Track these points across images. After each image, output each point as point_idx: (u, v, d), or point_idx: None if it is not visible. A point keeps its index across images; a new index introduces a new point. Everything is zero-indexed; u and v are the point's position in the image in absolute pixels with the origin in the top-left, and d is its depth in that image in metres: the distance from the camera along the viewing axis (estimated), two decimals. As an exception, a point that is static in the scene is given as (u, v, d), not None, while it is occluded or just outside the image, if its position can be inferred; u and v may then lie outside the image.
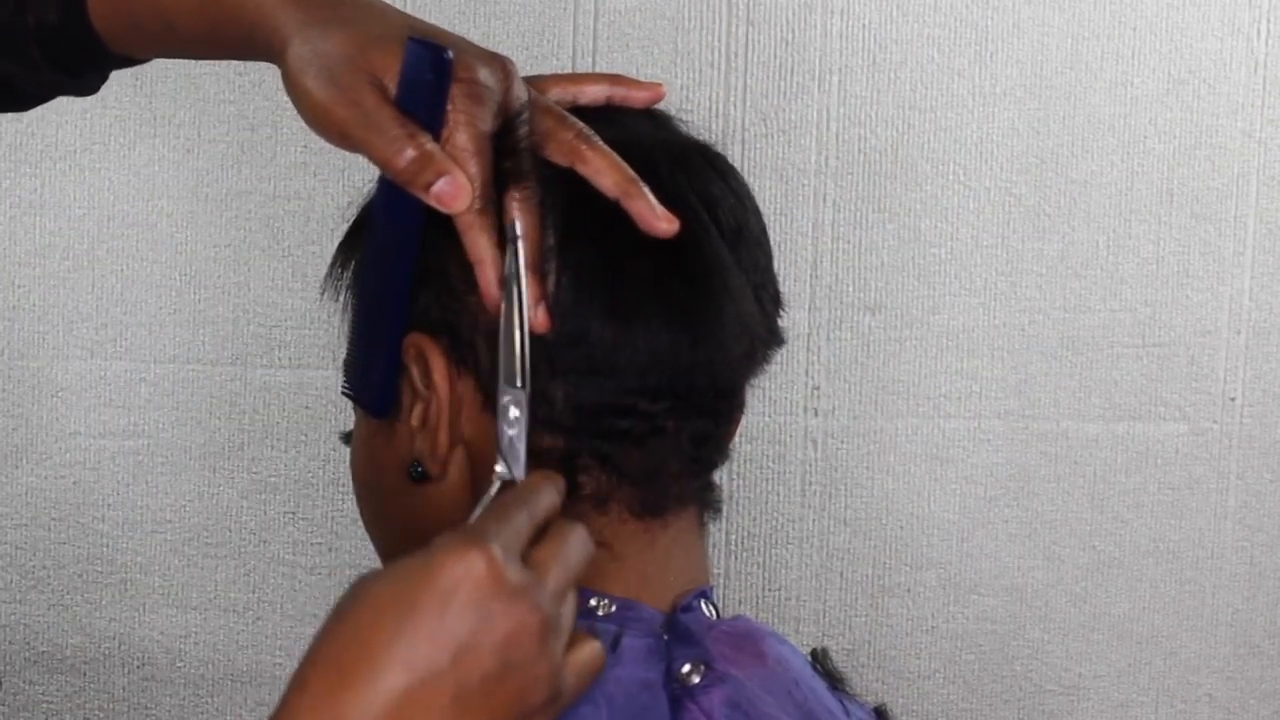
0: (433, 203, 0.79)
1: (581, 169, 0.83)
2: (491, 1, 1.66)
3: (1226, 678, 1.79)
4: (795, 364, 1.71)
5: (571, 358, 0.81)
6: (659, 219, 0.81)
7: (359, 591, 0.71)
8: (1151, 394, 1.75)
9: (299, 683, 0.70)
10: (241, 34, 0.89)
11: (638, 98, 0.91)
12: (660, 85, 0.93)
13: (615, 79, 0.91)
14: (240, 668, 1.71)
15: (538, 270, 0.80)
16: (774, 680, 0.83)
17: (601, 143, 0.83)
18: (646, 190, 0.82)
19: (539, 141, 0.83)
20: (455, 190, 0.79)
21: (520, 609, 0.70)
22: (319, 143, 1.74)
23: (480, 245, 0.80)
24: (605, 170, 0.83)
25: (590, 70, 1.65)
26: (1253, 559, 1.79)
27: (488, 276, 0.80)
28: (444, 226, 0.81)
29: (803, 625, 1.74)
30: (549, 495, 0.76)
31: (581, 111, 0.87)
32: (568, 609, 0.73)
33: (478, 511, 0.76)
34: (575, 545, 0.75)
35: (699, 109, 1.67)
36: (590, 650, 0.74)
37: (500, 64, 0.83)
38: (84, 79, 1.03)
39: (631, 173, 0.82)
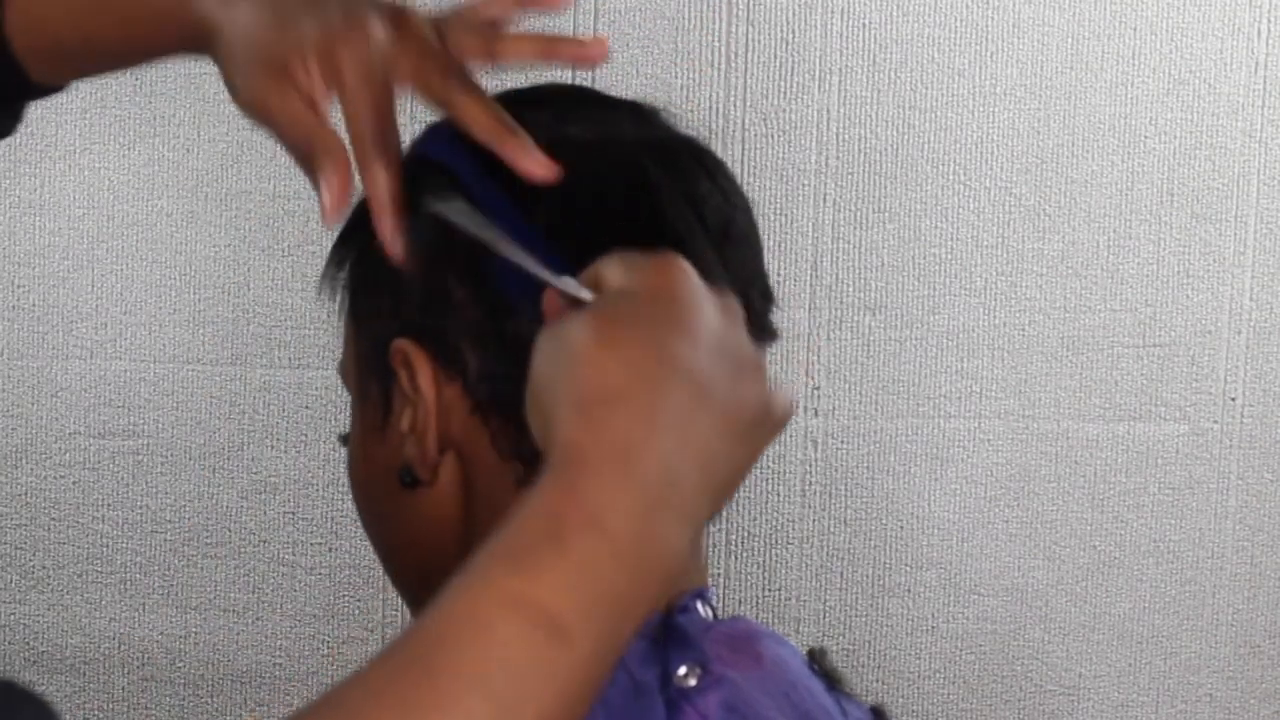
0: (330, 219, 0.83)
1: (452, 114, 0.83)
2: (491, 1, 1.66)
3: (1227, 678, 1.79)
4: (795, 364, 1.71)
5: None
6: (535, 164, 0.81)
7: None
8: (1152, 394, 1.75)
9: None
10: (171, 42, 0.91)
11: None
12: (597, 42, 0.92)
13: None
14: (240, 668, 1.71)
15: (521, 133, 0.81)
16: (771, 682, 0.83)
17: (478, 92, 0.83)
18: (522, 135, 0.81)
19: (413, 84, 0.84)
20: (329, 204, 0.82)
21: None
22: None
23: (377, 187, 0.82)
24: (476, 117, 0.82)
25: (590, 76, 1.65)
26: (1253, 559, 1.79)
27: (380, 201, 0.81)
28: (429, 228, 0.81)
29: (803, 625, 1.74)
30: None
31: (561, 107, 0.87)
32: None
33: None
34: None
35: (699, 109, 1.67)
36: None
37: (390, 9, 0.84)
38: (2, 115, 1.02)
39: (505, 116, 0.82)
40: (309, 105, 0.84)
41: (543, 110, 0.86)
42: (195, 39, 0.89)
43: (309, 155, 0.83)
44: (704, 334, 0.72)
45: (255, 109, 0.86)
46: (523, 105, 0.86)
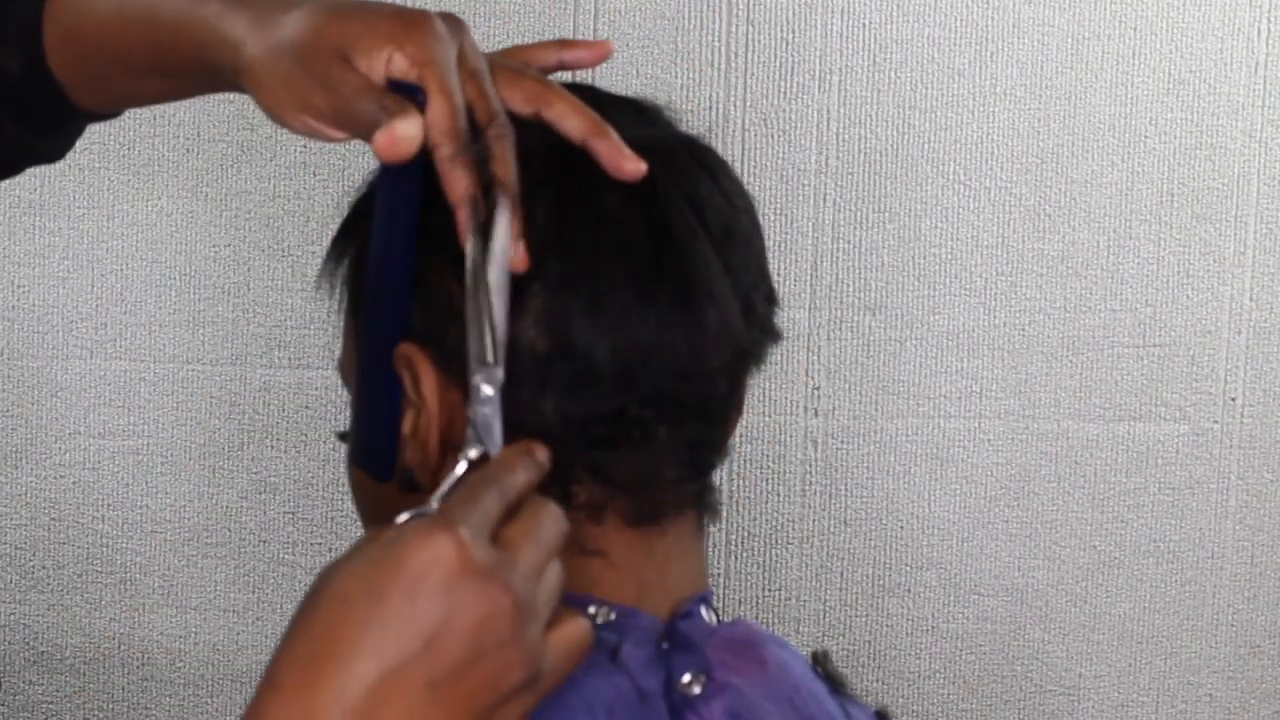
0: (388, 152, 0.78)
1: (546, 113, 0.83)
2: (491, 1, 1.66)
3: (1227, 678, 1.79)
4: (795, 364, 1.71)
5: (557, 370, 0.80)
6: (625, 159, 0.81)
7: (324, 582, 0.71)
8: (1152, 394, 1.75)
9: (271, 681, 0.70)
10: (190, 54, 0.89)
11: (585, 58, 0.91)
12: (608, 42, 0.92)
13: (563, 44, 0.91)
14: (240, 668, 1.71)
15: (519, 208, 0.79)
16: (775, 687, 0.83)
17: (563, 89, 0.83)
18: (613, 132, 0.81)
19: (502, 93, 0.83)
20: (393, 136, 0.77)
21: (491, 591, 0.69)
22: (319, 143, 1.74)
23: (459, 188, 0.79)
24: (569, 114, 0.82)
25: (587, 73, 1.65)
26: (1253, 559, 1.79)
27: (464, 221, 0.79)
28: (428, 235, 0.81)
29: (803, 626, 1.74)
30: (521, 472, 0.74)
31: None
32: (545, 587, 0.72)
33: (443, 490, 0.75)
34: (547, 522, 0.73)
35: (699, 109, 1.67)
36: (574, 629, 0.73)
37: (451, 17, 0.84)
38: (50, 139, 1.01)
39: (596, 116, 0.82)
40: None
41: None
42: (218, 53, 0.86)
43: (381, 111, 0.79)
44: (441, 631, 0.69)
45: (313, 98, 0.81)
46: None
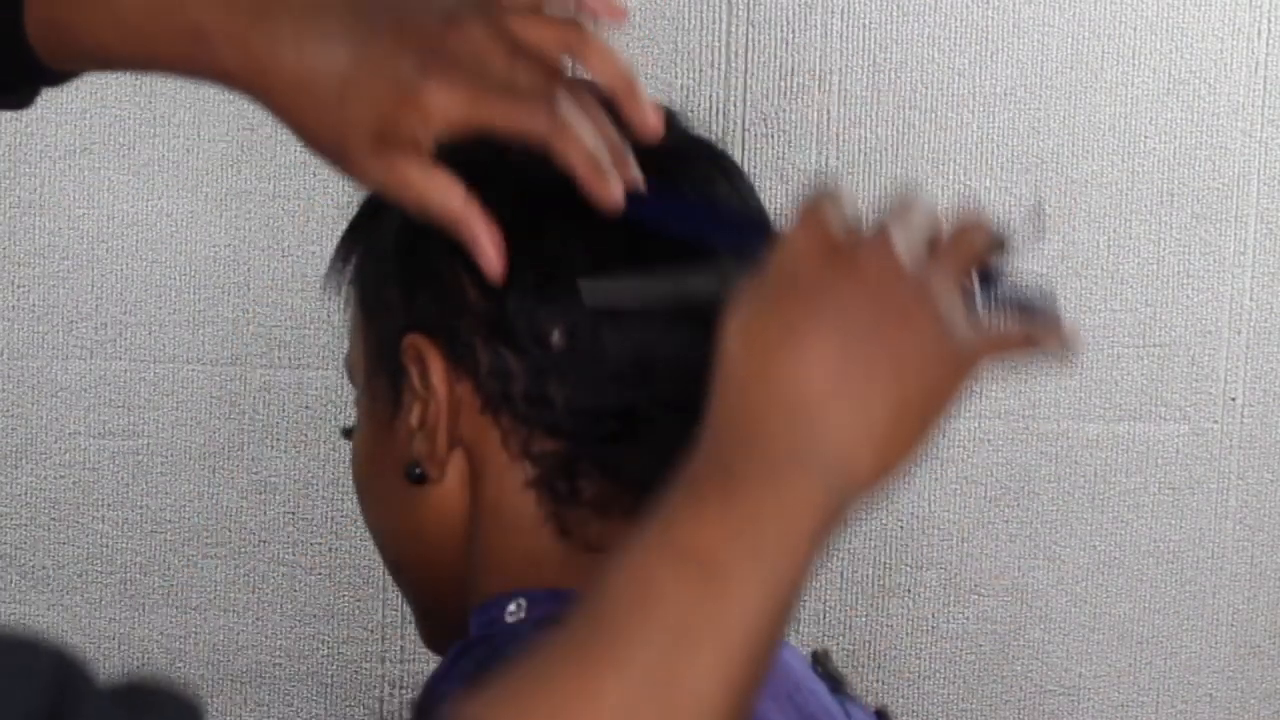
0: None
1: (578, 56, 0.84)
2: (491, 1, 1.66)
3: (1227, 678, 1.79)
4: (795, 364, 1.71)
5: (570, 365, 0.80)
6: (648, 113, 0.82)
7: (774, 266, 0.73)
8: (1152, 394, 1.75)
9: (723, 375, 0.71)
10: (183, 53, 0.87)
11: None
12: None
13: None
14: (240, 668, 1.71)
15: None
16: (775, 684, 0.83)
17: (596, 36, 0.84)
18: (641, 87, 0.82)
19: (532, 34, 0.84)
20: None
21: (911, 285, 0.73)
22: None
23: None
24: (602, 62, 0.84)
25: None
26: (1253, 559, 1.79)
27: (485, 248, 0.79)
28: (435, 230, 0.81)
29: (803, 625, 1.74)
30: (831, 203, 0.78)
31: None
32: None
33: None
34: (978, 230, 0.76)
35: (699, 109, 1.66)
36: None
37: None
38: (16, 93, 0.96)
39: (627, 69, 0.83)
40: (420, 156, 0.79)
41: None
42: (226, 80, 0.86)
43: (449, 224, 0.80)
44: (849, 308, 0.72)
45: (366, 184, 0.82)
46: None
